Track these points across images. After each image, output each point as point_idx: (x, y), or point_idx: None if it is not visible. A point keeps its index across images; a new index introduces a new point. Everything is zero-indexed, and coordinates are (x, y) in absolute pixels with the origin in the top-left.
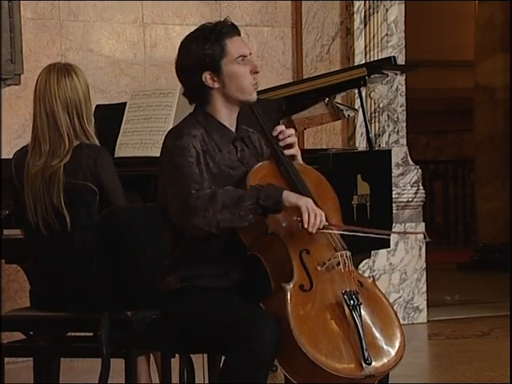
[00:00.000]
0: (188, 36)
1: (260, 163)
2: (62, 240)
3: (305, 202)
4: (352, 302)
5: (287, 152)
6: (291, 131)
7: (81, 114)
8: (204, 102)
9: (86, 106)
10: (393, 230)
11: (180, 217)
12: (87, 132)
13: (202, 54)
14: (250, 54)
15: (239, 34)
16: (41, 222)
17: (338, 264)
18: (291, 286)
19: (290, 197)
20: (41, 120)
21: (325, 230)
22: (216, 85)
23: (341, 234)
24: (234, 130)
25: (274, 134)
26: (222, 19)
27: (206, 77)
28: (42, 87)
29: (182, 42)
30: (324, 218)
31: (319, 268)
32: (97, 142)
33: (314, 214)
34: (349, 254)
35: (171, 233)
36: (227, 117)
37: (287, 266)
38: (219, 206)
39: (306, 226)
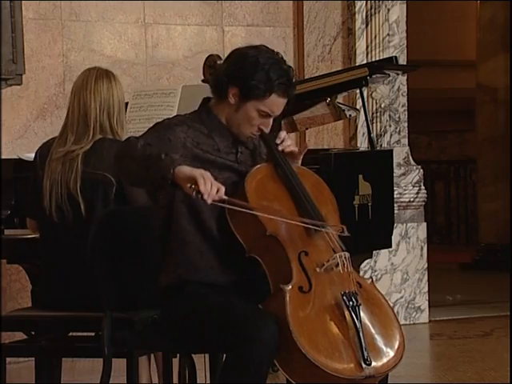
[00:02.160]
0: (267, 51)
1: (258, 166)
2: (74, 228)
3: (200, 173)
4: (351, 302)
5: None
6: (291, 141)
7: (112, 114)
8: (217, 100)
9: (119, 110)
10: (394, 230)
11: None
12: (115, 131)
13: (251, 76)
14: (275, 115)
15: (286, 97)
16: (54, 209)
17: (337, 265)
18: (290, 287)
19: (183, 169)
20: (72, 113)
21: (223, 205)
22: (232, 102)
23: (340, 236)
24: None
25: (278, 141)
26: (223, 19)
27: (232, 91)
28: (79, 84)
29: (258, 48)
30: (223, 192)
31: (318, 269)
32: None
33: (209, 183)
34: (347, 255)
35: (163, 232)
36: (227, 125)
37: (286, 268)
38: (133, 157)
39: (201, 190)
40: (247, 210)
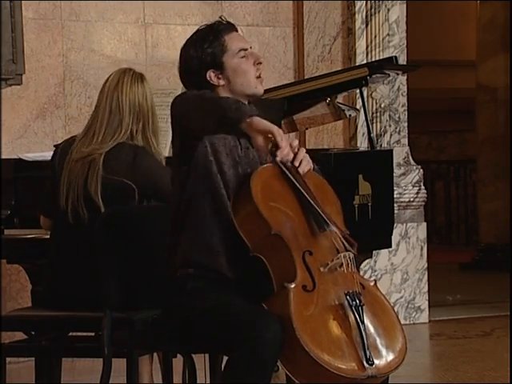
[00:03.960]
0: (187, 41)
1: (263, 166)
2: (89, 231)
3: (278, 129)
4: (355, 302)
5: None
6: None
7: (146, 122)
8: None
9: (153, 117)
10: (394, 230)
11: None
12: (150, 141)
13: (202, 54)
14: (251, 47)
15: (236, 31)
16: (70, 210)
17: (341, 265)
18: (294, 285)
19: (262, 120)
20: (103, 115)
21: (285, 169)
22: (221, 82)
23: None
24: None
25: (296, 163)
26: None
27: (211, 75)
28: (114, 85)
29: (182, 48)
30: (291, 156)
31: (322, 269)
32: (161, 155)
33: (287, 141)
34: (352, 255)
35: (173, 212)
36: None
37: (290, 267)
38: (202, 98)
39: (280, 145)
40: (300, 188)
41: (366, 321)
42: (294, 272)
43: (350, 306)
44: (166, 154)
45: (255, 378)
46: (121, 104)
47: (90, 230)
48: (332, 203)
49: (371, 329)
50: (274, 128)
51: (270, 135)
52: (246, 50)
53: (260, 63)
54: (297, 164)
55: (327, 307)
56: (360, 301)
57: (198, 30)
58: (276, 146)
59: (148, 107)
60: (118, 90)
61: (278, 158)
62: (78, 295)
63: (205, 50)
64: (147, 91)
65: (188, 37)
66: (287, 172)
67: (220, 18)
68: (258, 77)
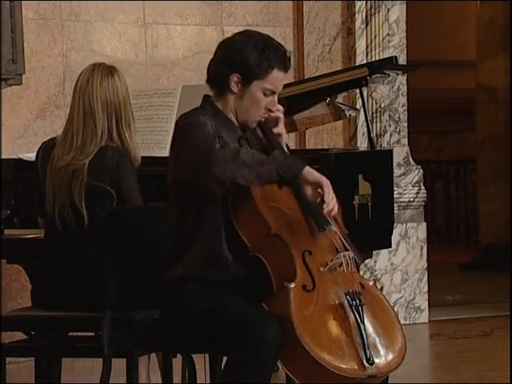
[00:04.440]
0: (255, 32)
1: None
2: (77, 236)
3: (327, 181)
4: (354, 302)
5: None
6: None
7: (119, 118)
8: (218, 95)
9: (126, 110)
10: (393, 230)
11: (202, 165)
12: (123, 136)
13: (249, 57)
14: (279, 92)
15: (286, 72)
16: (57, 216)
17: (341, 265)
18: (294, 285)
19: (311, 172)
20: (78, 116)
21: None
22: (235, 90)
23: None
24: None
25: (325, 210)
26: (223, 19)
27: (233, 78)
28: (84, 84)
29: (245, 32)
30: (336, 209)
31: (322, 269)
32: (136, 147)
33: (332, 195)
34: (351, 255)
35: (178, 224)
36: (234, 116)
37: (290, 267)
38: (239, 163)
39: (326, 200)
40: (337, 231)
41: (366, 320)
42: (294, 272)
43: (350, 306)
44: (166, 154)
45: (255, 378)
46: (93, 103)
47: (79, 233)
48: None
49: (371, 328)
50: (323, 181)
51: (319, 189)
52: (274, 93)
53: (271, 110)
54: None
55: (327, 307)
56: (360, 300)
57: (270, 37)
58: (322, 199)
59: (120, 102)
60: (89, 88)
61: (325, 212)
62: (71, 296)
63: (255, 57)
64: (118, 85)
65: (188, 36)
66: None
67: (289, 51)
68: (261, 117)
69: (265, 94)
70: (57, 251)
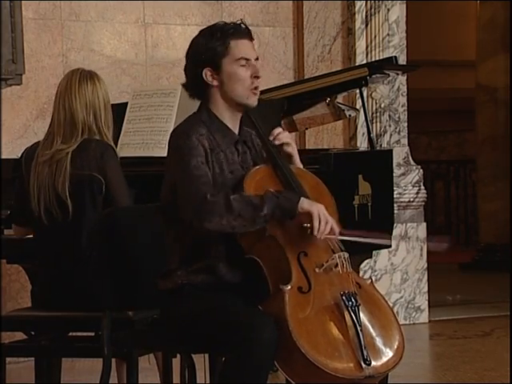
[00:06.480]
0: (199, 32)
1: (257, 167)
2: (64, 231)
3: (317, 209)
4: (350, 303)
5: (284, 150)
6: (286, 133)
7: (98, 116)
8: (206, 100)
9: (105, 111)
10: (393, 230)
11: (194, 219)
12: (103, 133)
13: (205, 48)
14: (257, 59)
15: (250, 39)
16: (43, 212)
17: (336, 266)
18: (290, 287)
19: (303, 203)
20: (58, 116)
21: (330, 236)
22: (215, 82)
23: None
24: (236, 131)
25: (271, 138)
26: (223, 19)
27: (207, 73)
28: (63, 87)
29: (193, 38)
30: (335, 226)
31: (317, 270)
32: (113, 146)
33: (324, 221)
34: (346, 255)
35: (173, 232)
36: (230, 118)
37: (285, 269)
38: (235, 215)
39: (315, 232)
40: (344, 238)
41: (363, 320)
42: (289, 273)
43: (346, 307)
44: (165, 154)
45: (251, 379)
46: (73, 106)
47: (65, 227)
48: (327, 202)
49: (368, 328)
50: (314, 211)
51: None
52: (248, 60)
53: (258, 77)
54: (271, 137)
55: (323, 308)
56: (356, 301)
57: (212, 25)
58: (311, 226)
59: (99, 101)
60: (68, 90)
61: (318, 236)
62: (67, 294)
63: (209, 45)
64: (97, 88)
65: (188, 36)
66: None
67: (240, 20)
68: (254, 89)
69: (242, 66)
70: (47, 249)
